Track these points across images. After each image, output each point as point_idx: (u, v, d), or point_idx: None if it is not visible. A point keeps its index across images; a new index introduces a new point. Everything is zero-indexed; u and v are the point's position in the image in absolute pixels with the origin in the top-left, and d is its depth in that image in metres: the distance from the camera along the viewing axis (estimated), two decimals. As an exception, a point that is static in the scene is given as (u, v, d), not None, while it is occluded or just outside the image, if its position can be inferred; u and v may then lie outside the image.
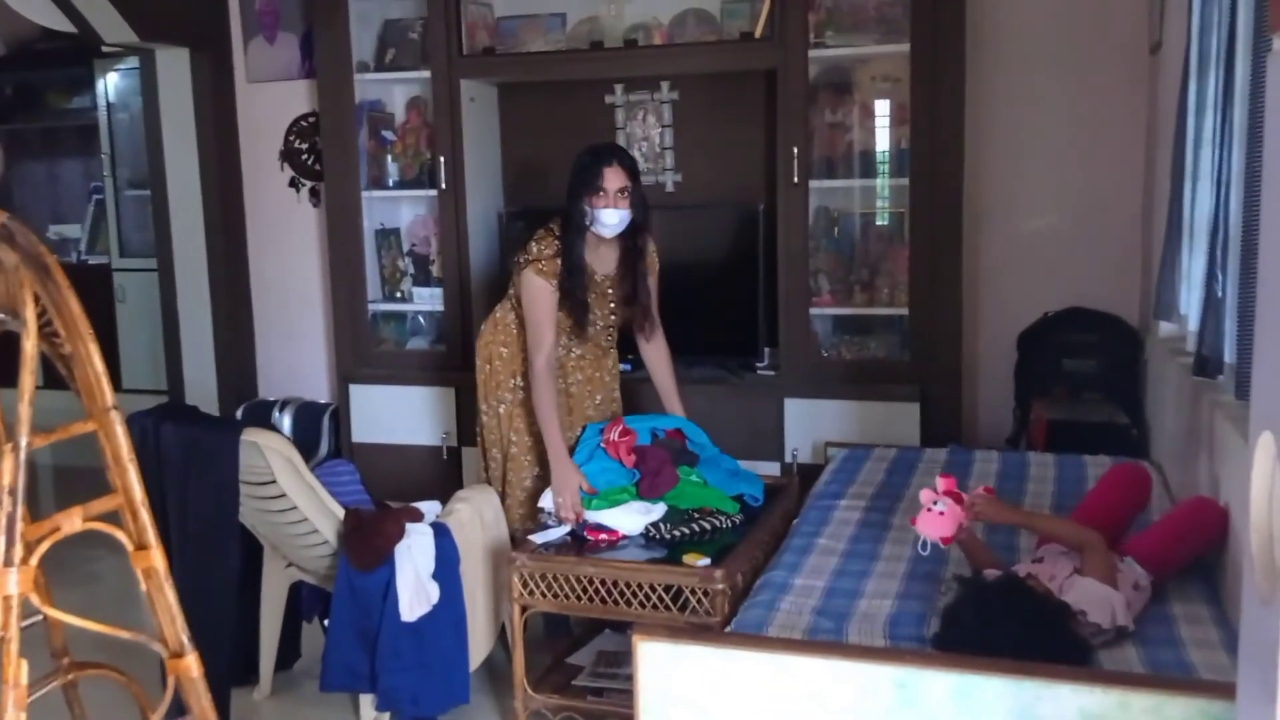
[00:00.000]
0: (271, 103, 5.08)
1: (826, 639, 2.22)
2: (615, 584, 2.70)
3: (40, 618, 1.78)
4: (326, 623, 2.99)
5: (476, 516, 3.10)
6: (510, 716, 2.99)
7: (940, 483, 2.39)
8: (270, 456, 2.74)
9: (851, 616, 2.35)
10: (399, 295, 4.77)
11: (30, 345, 1.62)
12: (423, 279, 4.72)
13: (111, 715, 2.20)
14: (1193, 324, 2.89)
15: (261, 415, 4.92)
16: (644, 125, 4.51)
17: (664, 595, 2.66)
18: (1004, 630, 2.05)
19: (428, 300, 4.67)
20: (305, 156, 5.08)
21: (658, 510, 3.00)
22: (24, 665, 1.57)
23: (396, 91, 4.75)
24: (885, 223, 4.25)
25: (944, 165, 3.89)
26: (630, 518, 2.97)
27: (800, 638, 2.23)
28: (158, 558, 1.72)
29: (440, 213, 4.51)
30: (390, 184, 4.73)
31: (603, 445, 3.15)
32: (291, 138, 5.09)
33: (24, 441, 1.58)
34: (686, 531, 2.94)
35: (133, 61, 5.82)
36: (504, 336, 3.33)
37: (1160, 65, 3.69)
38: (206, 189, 5.08)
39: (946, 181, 3.90)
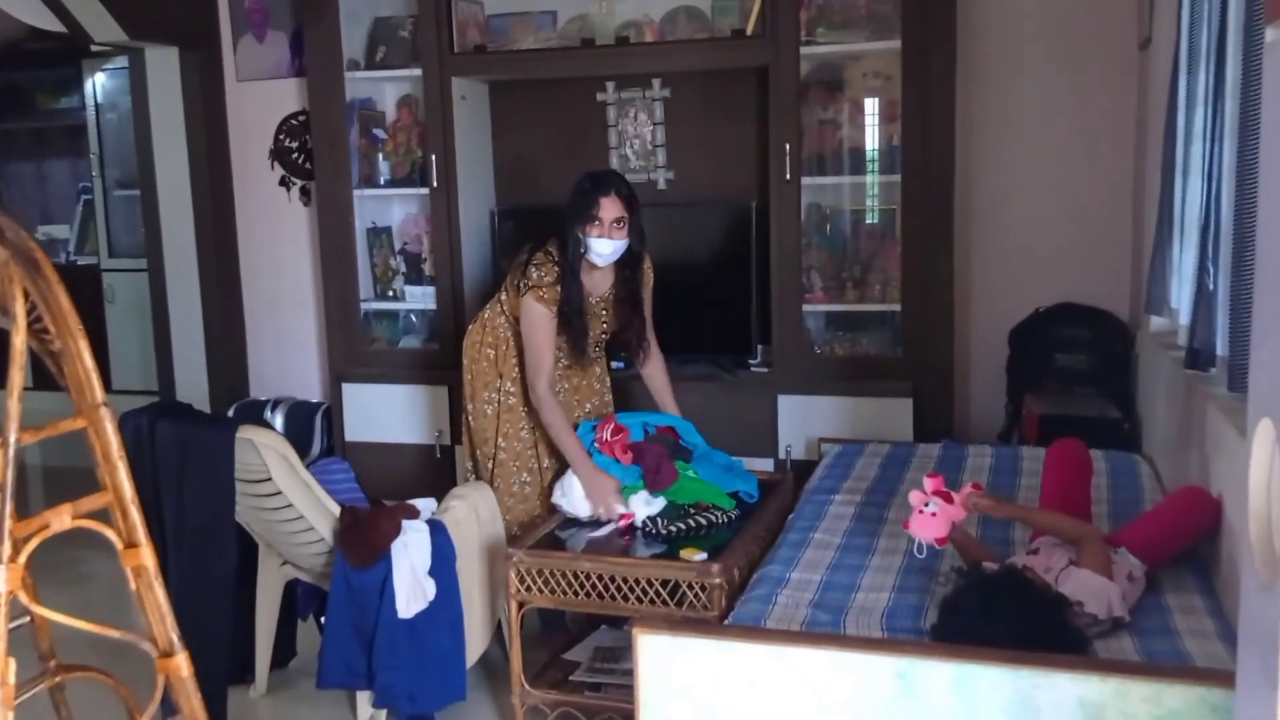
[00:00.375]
0: (261, 101, 5.07)
1: (824, 631, 2.23)
2: (612, 579, 2.70)
3: (28, 619, 1.77)
4: (322, 621, 2.99)
5: (472, 513, 3.10)
6: (507, 713, 2.99)
7: (928, 483, 2.40)
8: (265, 454, 2.74)
9: (849, 609, 2.36)
10: (391, 294, 4.76)
11: (20, 341, 1.61)
12: (415, 277, 4.71)
13: (100, 718, 2.19)
14: (1184, 317, 2.90)
15: (253, 415, 4.90)
16: (635, 123, 4.51)
17: (661, 590, 2.66)
18: (1002, 621, 2.05)
19: (420, 299, 4.67)
20: (295, 155, 5.06)
21: (657, 504, 3.02)
22: (12, 663, 1.56)
23: (387, 89, 4.74)
24: (877, 219, 4.26)
25: (935, 161, 3.90)
26: (641, 507, 3.01)
27: (798, 630, 2.23)
28: (147, 556, 1.71)
29: (432, 211, 4.50)
30: (381, 182, 4.71)
31: (596, 444, 3.16)
32: (282, 136, 5.08)
33: (13, 437, 1.57)
34: (683, 527, 2.95)
35: (121, 61, 5.79)
36: (491, 338, 3.33)
37: (1150, 61, 3.71)
38: (196, 188, 5.07)
39: (938, 178, 3.91)
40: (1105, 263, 4.13)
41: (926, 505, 2.37)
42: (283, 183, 5.12)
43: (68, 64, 6.55)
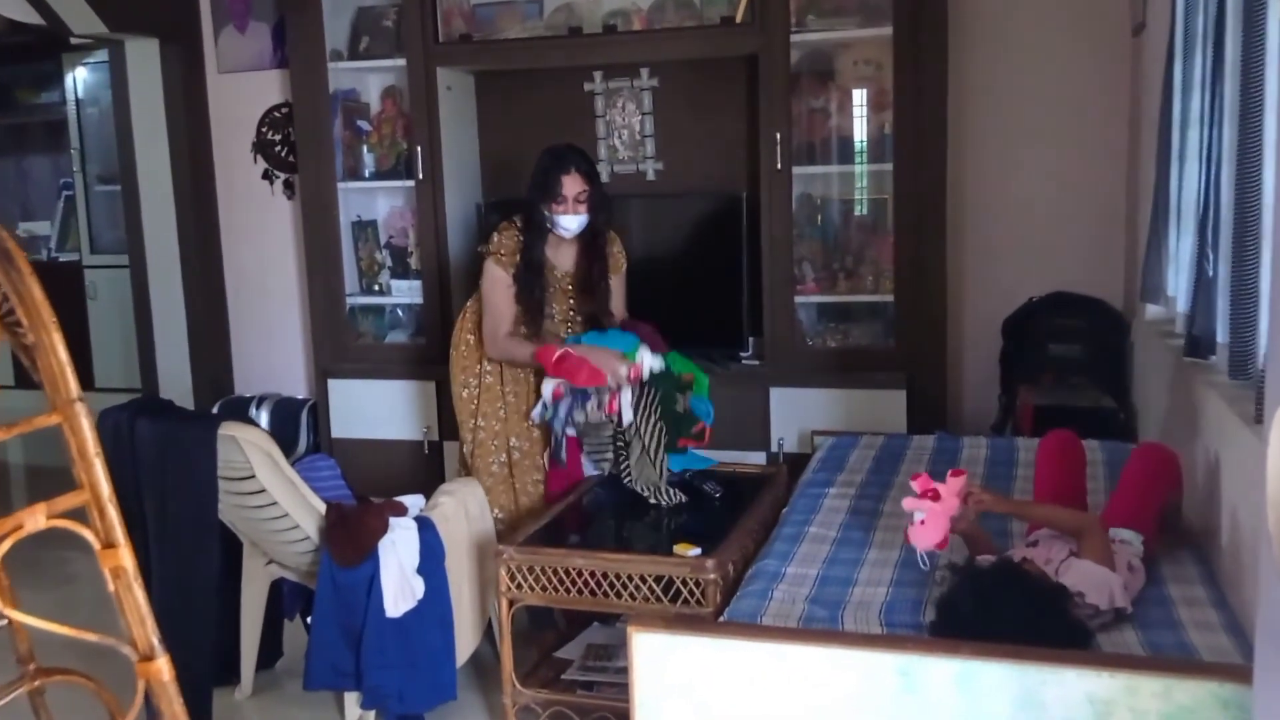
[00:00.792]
0: (243, 93, 4.99)
1: (822, 627, 2.19)
2: (605, 575, 2.65)
3: (4, 621, 1.72)
4: (309, 620, 2.93)
5: (461, 509, 3.04)
6: (499, 712, 2.93)
7: (915, 485, 2.34)
8: (249, 450, 2.68)
9: (846, 604, 2.32)
10: (377, 288, 4.70)
11: (-11, 333, 1.55)
12: (401, 271, 4.65)
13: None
14: (1182, 305, 2.88)
15: (238, 412, 4.83)
16: (624, 113, 4.45)
17: (655, 586, 2.61)
18: (1002, 616, 2.02)
19: (406, 293, 4.60)
20: (279, 148, 4.99)
21: (659, 360, 3.17)
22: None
23: (371, 80, 4.68)
24: (868, 209, 4.22)
25: (927, 150, 3.86)
26: (647, 358, 3.15)
27: (796, 626, 2.19)
28: (126, 556, 1.65)
29: (418, 204, 4.44)
30: (366, 175, 4.65)
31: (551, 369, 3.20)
32: (264, 129, 5.00)
33: (-18, 432, 1.51)
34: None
35: (102, 55, 5.72)
36: (471, 324, 3.44)
37: (1143, 46, 3.68)
38: (178, 182, 4.99)
39: (930, 166, 3.87)
40: (1099, 251, 4.10)
41: (915, 514, 2.31)
42: (266, 176, 5.05)
43: (48, 58, 6.47)
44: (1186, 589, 2.30)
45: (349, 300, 4.64)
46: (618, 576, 2.64)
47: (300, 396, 4.95)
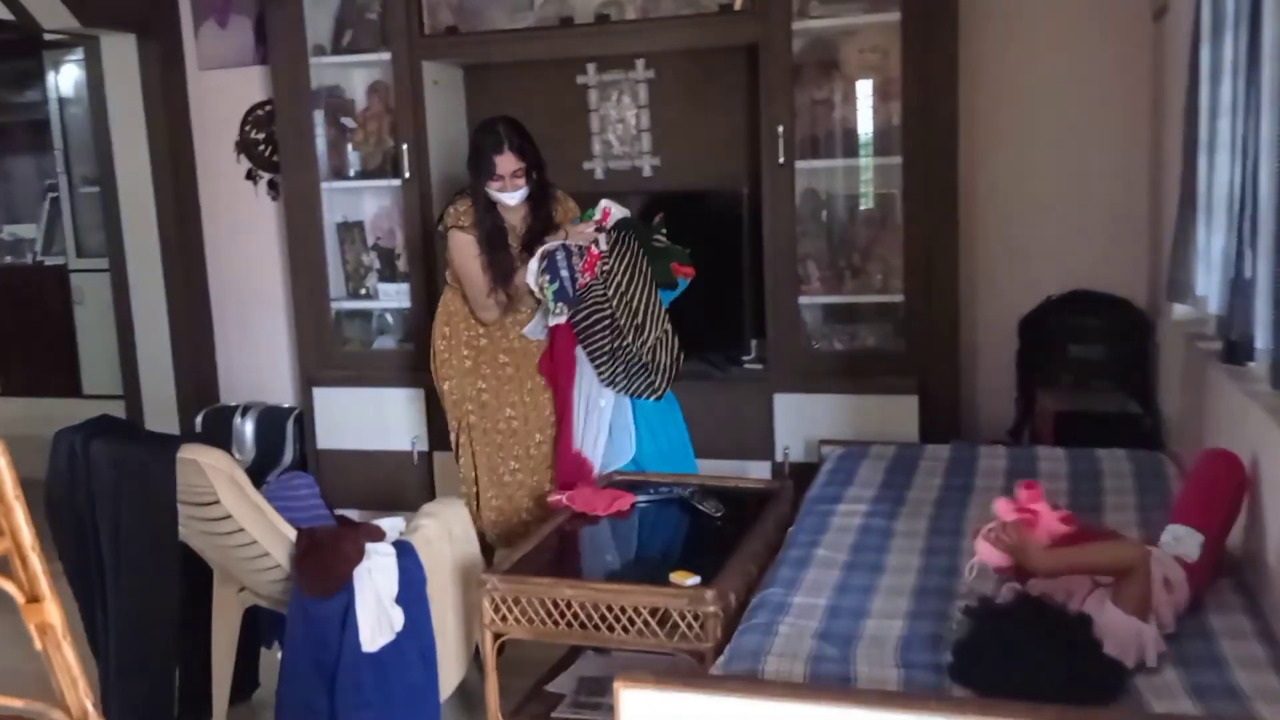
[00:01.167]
0: (225, 91, 4.81)
1: (832, 669, 2.00)
2: (596, 607, 2.45)
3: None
4: (284, 651, 2.75)
5: (444, 532, 2.86)
6: (486, 750, 2.75)
7: (1021, 494, 2.14)
8: (212, 475, 2.49)
9: (858, 640, 2.13)
10: (364, 292, 4.51)
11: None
12: (388, 274, 4.47)
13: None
14: (1214, 306, 2.69)
15: (222, 421, 4.68)
16: (619, 106, 4.28)
17: (650, 619, 2.41)
18: (1028, 659, 1.84)
19: (394, 297, 4.42)
20: (262, 147, 4.81)
21: (624, 210, 3.37)
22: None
23: (355, 76, 4.49)
24: (876, 204, 4.04)
25: (938, 142, 3.69)
26: (614, 208, 3.37)
27: (803, 667, 2.00)
28: (53, 611, 1.48)
29: (404, 204, 4.26)
30: (351, 174, 4.47)
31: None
32: (247, 127, 4.82)
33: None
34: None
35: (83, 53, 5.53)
36: (444, 314, 3.51)
37: (1165, 32, 3.51)
38: (159, 183, 4.81)
39: (940, 159, 3.70)
40: (1121, 247, 3.90)
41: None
42: (250, 176, 4.87)
43: (28, 56, 6.29)
44: (1229, 618, 2.12)
45: (335, 305, 4.46)
46: (609, 608, 2.44)
47: (286, 405, 4.77)
